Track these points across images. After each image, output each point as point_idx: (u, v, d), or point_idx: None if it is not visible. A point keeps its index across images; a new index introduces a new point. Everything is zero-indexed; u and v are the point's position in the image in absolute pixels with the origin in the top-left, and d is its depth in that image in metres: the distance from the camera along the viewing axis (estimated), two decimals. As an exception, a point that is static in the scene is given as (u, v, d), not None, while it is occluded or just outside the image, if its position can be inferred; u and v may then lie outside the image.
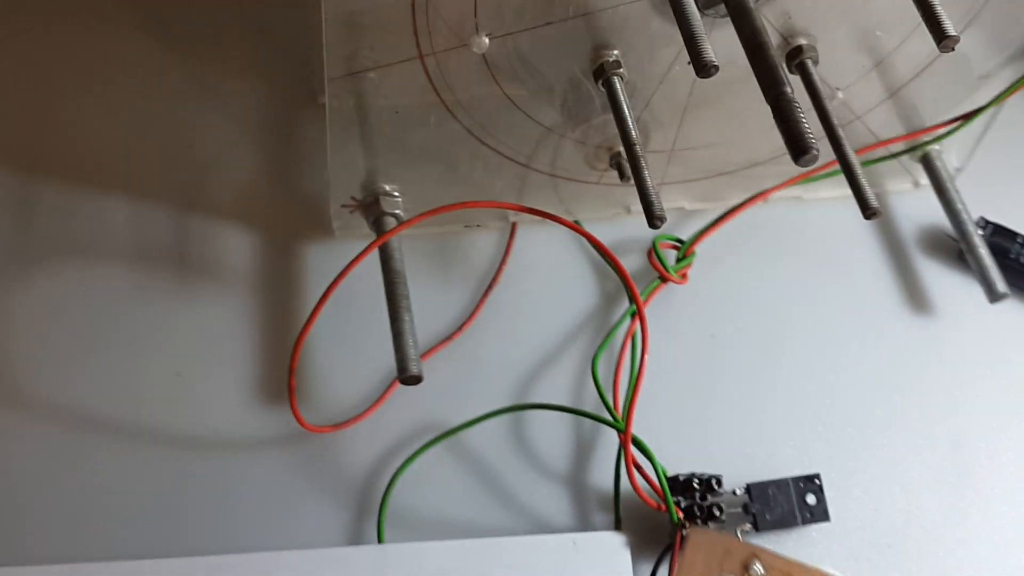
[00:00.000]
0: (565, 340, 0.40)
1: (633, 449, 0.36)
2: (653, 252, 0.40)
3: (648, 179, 0.32)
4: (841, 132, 0.33)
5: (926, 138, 0.42)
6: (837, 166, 0.34)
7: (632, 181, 0.33)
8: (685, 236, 0.42)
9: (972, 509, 0.38)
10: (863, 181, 0.32)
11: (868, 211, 0.32)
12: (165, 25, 0.45)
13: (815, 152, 0.28)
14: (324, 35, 0.31)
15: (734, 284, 0.42)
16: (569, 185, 0.41)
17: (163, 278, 0.40)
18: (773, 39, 0.35)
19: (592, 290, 0.41)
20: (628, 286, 0.37)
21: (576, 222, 0.43)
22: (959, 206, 0.42)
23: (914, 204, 0.44)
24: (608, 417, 0.36)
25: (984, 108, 0.40)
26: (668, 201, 0.43)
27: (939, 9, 0.26)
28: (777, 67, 0.29)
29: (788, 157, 0.31)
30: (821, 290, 0.42)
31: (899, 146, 0.43)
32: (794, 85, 0.36)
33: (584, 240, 0.42)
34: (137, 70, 0.45)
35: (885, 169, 0.44)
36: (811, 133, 0.28)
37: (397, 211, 0.38)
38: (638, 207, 0.34)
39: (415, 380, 0.35)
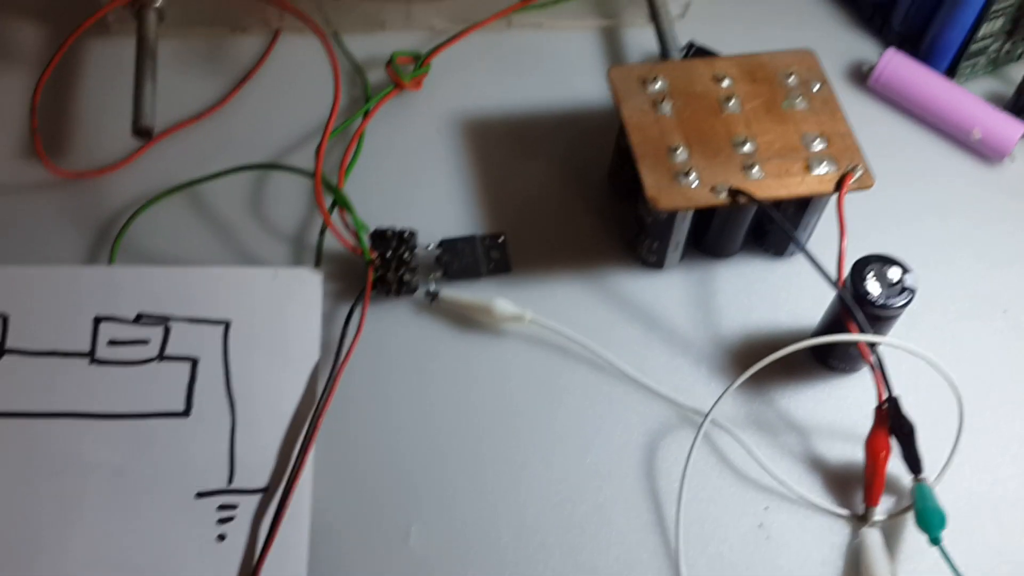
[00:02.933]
0: (311, 130, 0.46)
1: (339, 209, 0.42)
2: (390, 64, 0.46)
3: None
4: None
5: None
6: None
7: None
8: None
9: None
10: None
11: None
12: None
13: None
14: None
15: (467, 92, 0.48)
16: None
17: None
18: None
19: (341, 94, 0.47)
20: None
21: (334, 33, 0.49)
22: (668, 33, 0.47)
23: (646, 38, 0.50)
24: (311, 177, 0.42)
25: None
26: (419, 22, 0.49)
27: None
28: None
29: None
30: (550, 103, 0.48)
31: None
32: None
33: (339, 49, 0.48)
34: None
35: (625, 2, 0.50)
36: None
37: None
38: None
39: (147, 132, 0.41)
